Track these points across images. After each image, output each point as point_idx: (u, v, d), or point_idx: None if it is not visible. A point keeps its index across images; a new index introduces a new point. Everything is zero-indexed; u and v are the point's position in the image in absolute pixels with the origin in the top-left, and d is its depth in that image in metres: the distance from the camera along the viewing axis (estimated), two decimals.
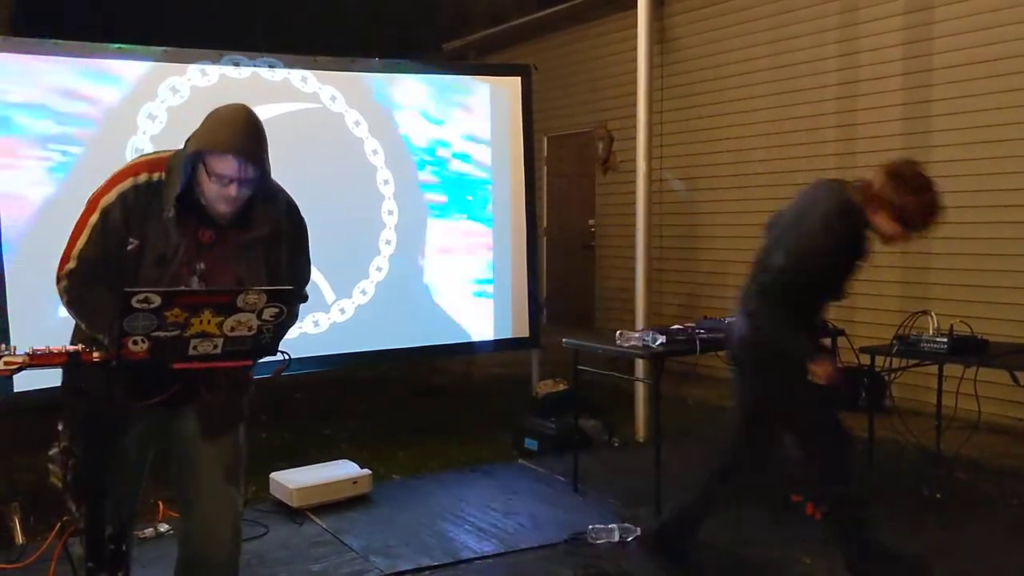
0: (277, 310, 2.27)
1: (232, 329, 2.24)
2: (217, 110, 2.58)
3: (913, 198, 3.28)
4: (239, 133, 2.50)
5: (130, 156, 4.98)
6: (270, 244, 2.67)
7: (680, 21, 8.60)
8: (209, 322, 2.20)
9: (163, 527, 4.38)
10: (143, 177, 2.56)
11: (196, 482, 2.72)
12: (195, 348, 2.23)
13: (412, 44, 10.63)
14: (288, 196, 2.77)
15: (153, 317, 2.15)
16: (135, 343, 2.16)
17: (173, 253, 2.53)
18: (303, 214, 2.80)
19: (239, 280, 2.58)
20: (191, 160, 2.53)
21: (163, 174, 2.56)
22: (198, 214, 2.58)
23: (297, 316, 2.59)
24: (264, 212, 2.64)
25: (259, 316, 2.26)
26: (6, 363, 2.18)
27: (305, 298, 2.78)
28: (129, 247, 2.51)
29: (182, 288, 2.25)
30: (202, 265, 2.56)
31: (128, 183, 2.55)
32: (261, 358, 2.38)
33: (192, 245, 2.57)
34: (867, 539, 3.55)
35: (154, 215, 2.53)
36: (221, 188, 2.51)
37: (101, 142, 5.12)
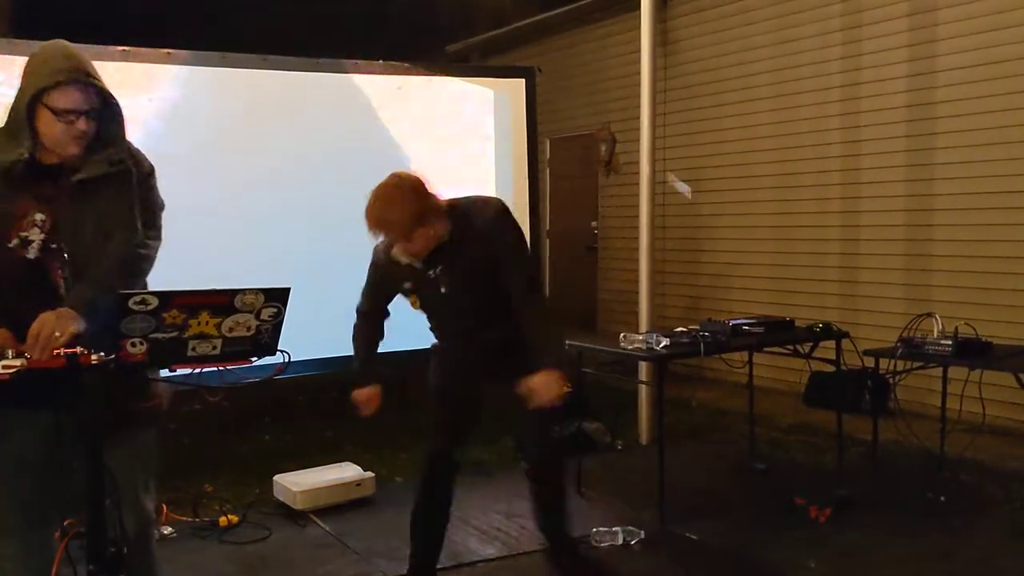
0: (275, 310, 2.27)
1: (230, 330, 2.24)
2: (35, 53, 2.43)
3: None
4: (73, 61, 2.38)
5: None
6: (122, 180, 2.52)
7: (683, 23, 8.59)
8: (207, 323, 2.20)
9: (167, 530, 4.39)
10: None
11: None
12: (194, 349, 2.24)
13: (415, 46, 10.61)
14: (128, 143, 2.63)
15: (151, 319, 2.15)
16: (133, 345, 2.16)
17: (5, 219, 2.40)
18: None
19: (99, 220, 2.46)
20: (30, 105, 2.37)
21: None
22: (36, 169, 2.43)
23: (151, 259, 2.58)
24: (103, 149, 2.50)
25: (257, 316, 2.26)
26: (4, 367, 2.17)
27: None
28: None
29: (178, 289, 2.25)
30: (41, 216, 2.43)
31: None
32: (260, 358, 2.37)
33: (29, 201, 2.43)
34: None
35: None
36: (69, 126, 2.39)
37: None
